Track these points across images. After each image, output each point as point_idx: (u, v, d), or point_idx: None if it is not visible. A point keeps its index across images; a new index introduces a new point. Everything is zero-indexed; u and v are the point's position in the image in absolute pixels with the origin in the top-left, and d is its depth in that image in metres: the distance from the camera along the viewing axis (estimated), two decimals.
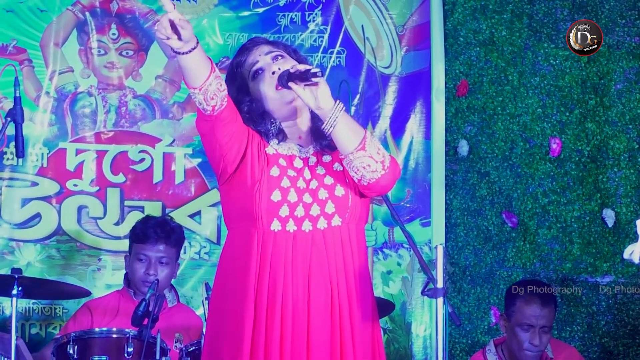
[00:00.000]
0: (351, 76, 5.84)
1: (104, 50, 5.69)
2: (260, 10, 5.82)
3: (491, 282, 5.88)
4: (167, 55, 5.69)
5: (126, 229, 5.33)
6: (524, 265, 5.90)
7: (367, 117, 5.85)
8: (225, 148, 3.33)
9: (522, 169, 5.95)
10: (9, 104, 5.25)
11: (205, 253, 5.68)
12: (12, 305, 4.47)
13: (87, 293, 4.88)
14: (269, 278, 3.31)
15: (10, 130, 4.15)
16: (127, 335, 4.47)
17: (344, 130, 3.31)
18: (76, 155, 5.61)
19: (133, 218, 5.40)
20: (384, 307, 4.99)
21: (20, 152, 4.10)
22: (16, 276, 4.49)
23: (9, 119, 4.08)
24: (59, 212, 5.56)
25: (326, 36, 5.87)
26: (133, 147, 5.67)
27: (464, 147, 5.92)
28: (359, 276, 3.39)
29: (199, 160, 5.66)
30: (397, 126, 5.91)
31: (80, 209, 5.59)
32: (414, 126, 5.92)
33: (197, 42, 3.18)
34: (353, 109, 5.80)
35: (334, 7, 5.88)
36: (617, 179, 5.98)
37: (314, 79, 3.27)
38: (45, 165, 5.57)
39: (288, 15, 5.85)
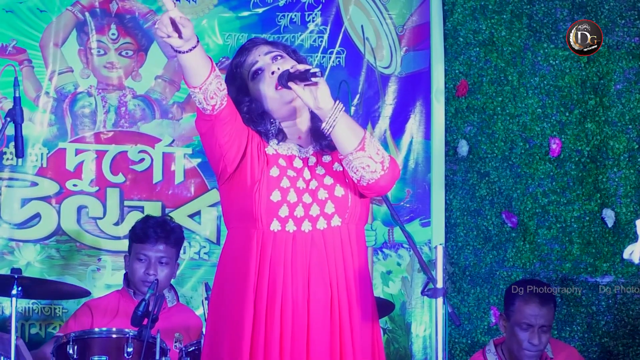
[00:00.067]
0: (351, 76, 5.84)
1: (104, 51, 5.68)
2: (260, 10, 5.82)
3: (491, 282, 5.88)
4: (166, 56, 5.69)
5: (126, 229, 5.32)
6: (523, 266, 5.90)
7: (366, 117, 5.85)
8: (224, 148, 3.33)
9: (522, 169, 5.95)
10: (8, 104, 5.25)
11: (205, 253, 5.68)
12: (11, 305, 4.47)
13: (87, 293, 4.88)
14: (269, 278, 3.31)
15: (10, 130, 4.15)
16: (127, 336, 4.47)
17: (344, 130, 3.31)
18: (76, 155, 5.61)
19: (133, 218, 5.39)
20: (384, 307, 4.98)
21: (20, 152, 4.10)
22: (16, 276, 4.49)
23: (8, 119, 4.08)
24: (58, 212, 5.55)
25: (326, 36, 5.87)
26: (133, 147, 5.66)
27: (463, 147, 5.91)
28: (358, 276, 3.38)
29: (199, 160, 5.66)
30: (397, 126, 5.91)
31: (79, 209, 5.59)
32: (413, 126, 5.92)
33: (198, 41, 3.17)
34: (353, 109, 5.80)
35: (333, 7, 5.88)
36: (617, 179, 5.97)
37: (313, 79, 3.27)
38: (44, 165, 5.56)
39: (288, 15, 5.85)
